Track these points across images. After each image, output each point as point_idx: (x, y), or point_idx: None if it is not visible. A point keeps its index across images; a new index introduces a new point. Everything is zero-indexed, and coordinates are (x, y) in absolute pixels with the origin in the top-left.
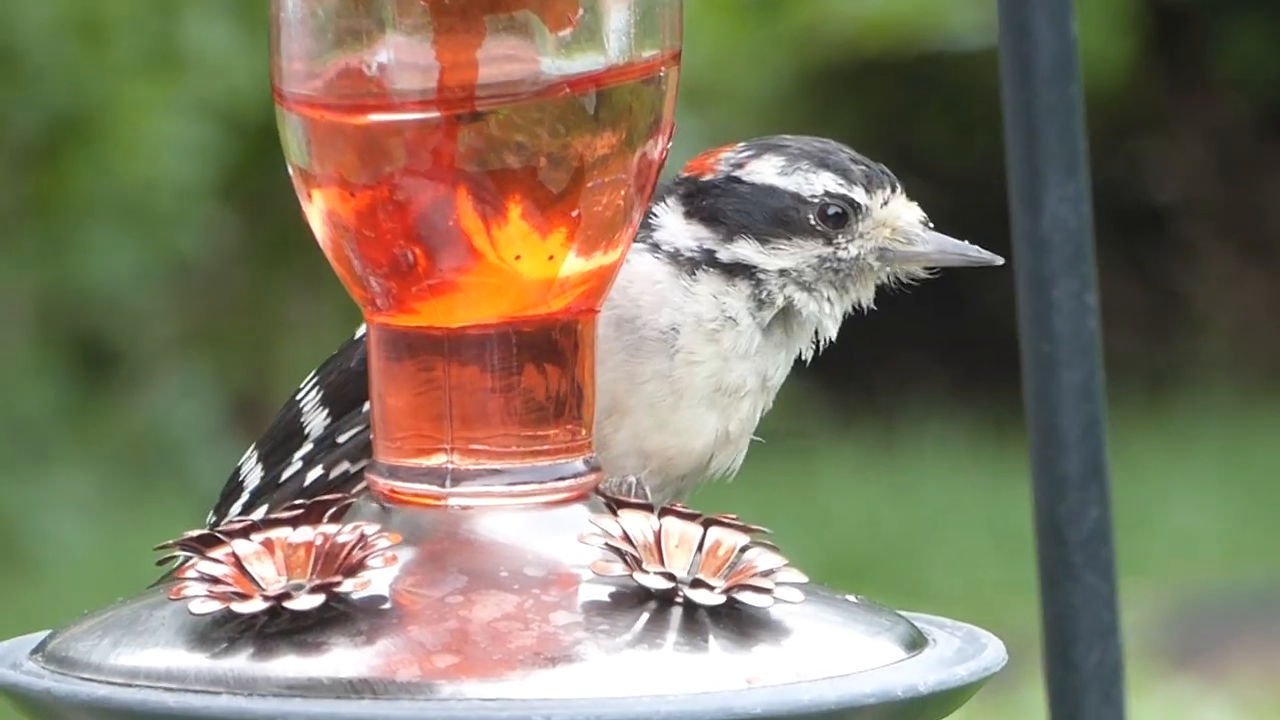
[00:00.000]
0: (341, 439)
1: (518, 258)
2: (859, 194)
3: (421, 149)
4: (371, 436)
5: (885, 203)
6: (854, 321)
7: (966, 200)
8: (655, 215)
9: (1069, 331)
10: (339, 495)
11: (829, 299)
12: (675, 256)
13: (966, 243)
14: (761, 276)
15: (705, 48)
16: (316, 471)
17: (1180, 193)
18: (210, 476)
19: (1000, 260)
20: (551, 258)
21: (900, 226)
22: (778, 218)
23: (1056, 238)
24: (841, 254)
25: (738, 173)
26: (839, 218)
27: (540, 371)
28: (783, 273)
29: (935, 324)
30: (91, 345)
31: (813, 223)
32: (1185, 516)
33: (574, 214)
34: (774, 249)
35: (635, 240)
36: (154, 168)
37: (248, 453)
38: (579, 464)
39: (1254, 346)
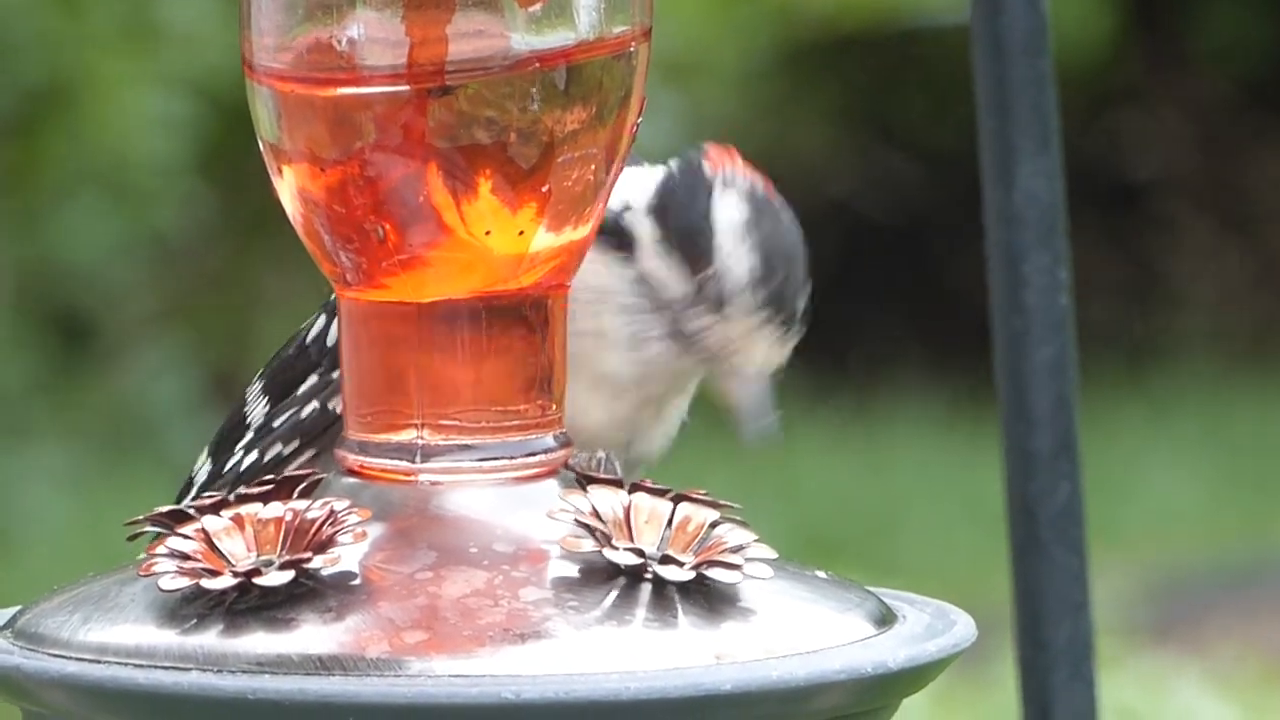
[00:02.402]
0: (276, 424)
1: (488, 233)
2: (737, 299)
3: (391, 124)
4: (341, 411)
5: (755, 326)
6: (828, 295)
7: (943, 175)
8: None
9: (1041, 307)
10: (309, 471)
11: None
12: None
13: (767, 413)
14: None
15: (684, 24)
16: (252, 456)
17: (1160, 168)
18: (186, 452)
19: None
20: (522, 233)
21: (746, 352)
22: (692, 239)
23: (1029, 213)
24: (688, 322)
25: (715, 191)
26: (718, 298)
27: (511, 347)
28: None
29: (909, 299)
30: (68, 320)
31: (703, 277)
32: (1164, 490)
33: (544, 189)
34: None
35: None
36: (130, 142)
37: (202, 453)
38: (549, 439)
39: (1233, 320)
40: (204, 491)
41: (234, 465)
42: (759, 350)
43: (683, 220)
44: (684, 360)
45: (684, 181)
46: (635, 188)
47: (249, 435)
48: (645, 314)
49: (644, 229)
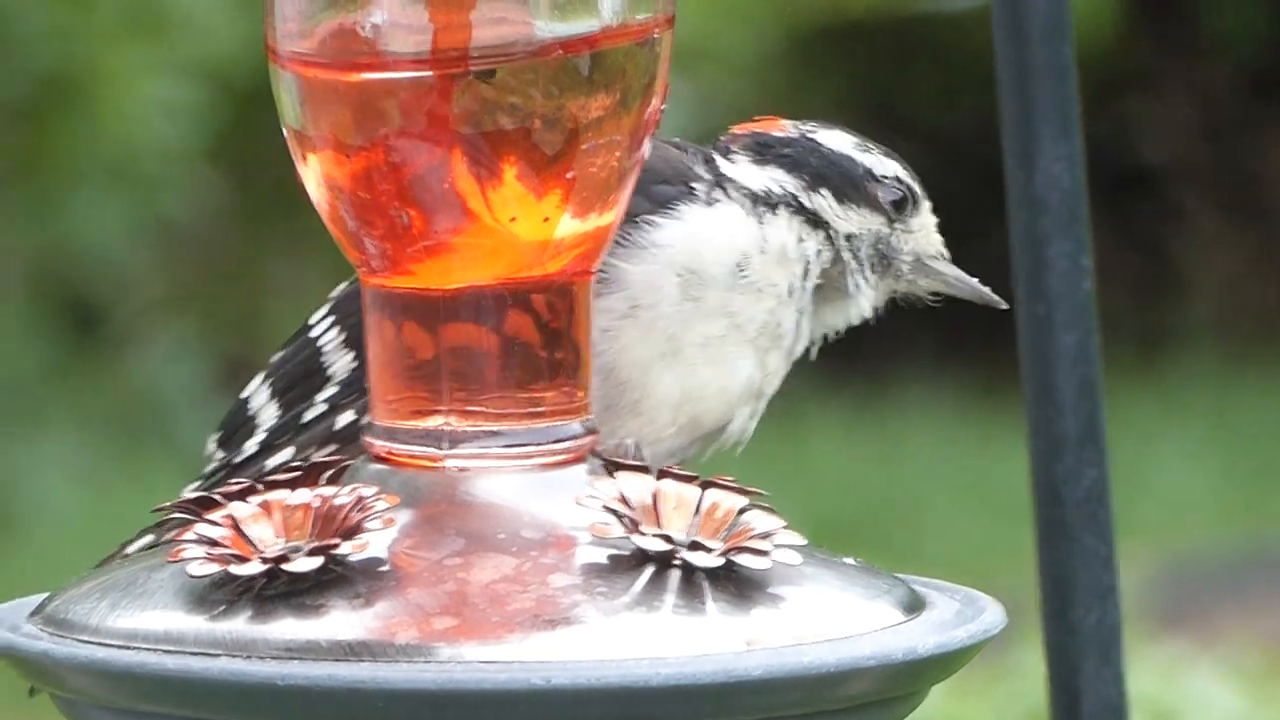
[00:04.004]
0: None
1: (513, 219)
2: (918, 189)
3: (416, 110)
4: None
5: (926, 213)
6: None
7: (953, 161)
8: (720, 165)
9: (1064, 293)
10: (337, 458)
11: (869, 283)
12: (753, 197)
13: (977, 281)
14: (831, 234)
15: (693, 10)
16: (348, 416)
17: (1168, 154)
18: (199, 438)
19: (1005, 305)
20: (547, 219)
21: (933, 242)
22: (853, 184)
23: (1051, 198)
24: (894, 240)
25: (813, 136)
26: (900, 204)
27: (536, 333)
28: (849, 238)
29: None
30: (79, 307)
31: (881, 200)
32: (1174, 478)
33: (569, 176)
34: (846, 212)
35: (696, 193)
36: (140, 129)
37: (255, 386)
38: (576, 426)
39: (1242, 308)
40: (279, 437)
41: (319, 418)
42: (934, 233)
43: (821, 167)
44: (883, 290)
45: (782, 142)
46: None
47: (333, 389)
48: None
49: (815, 199)
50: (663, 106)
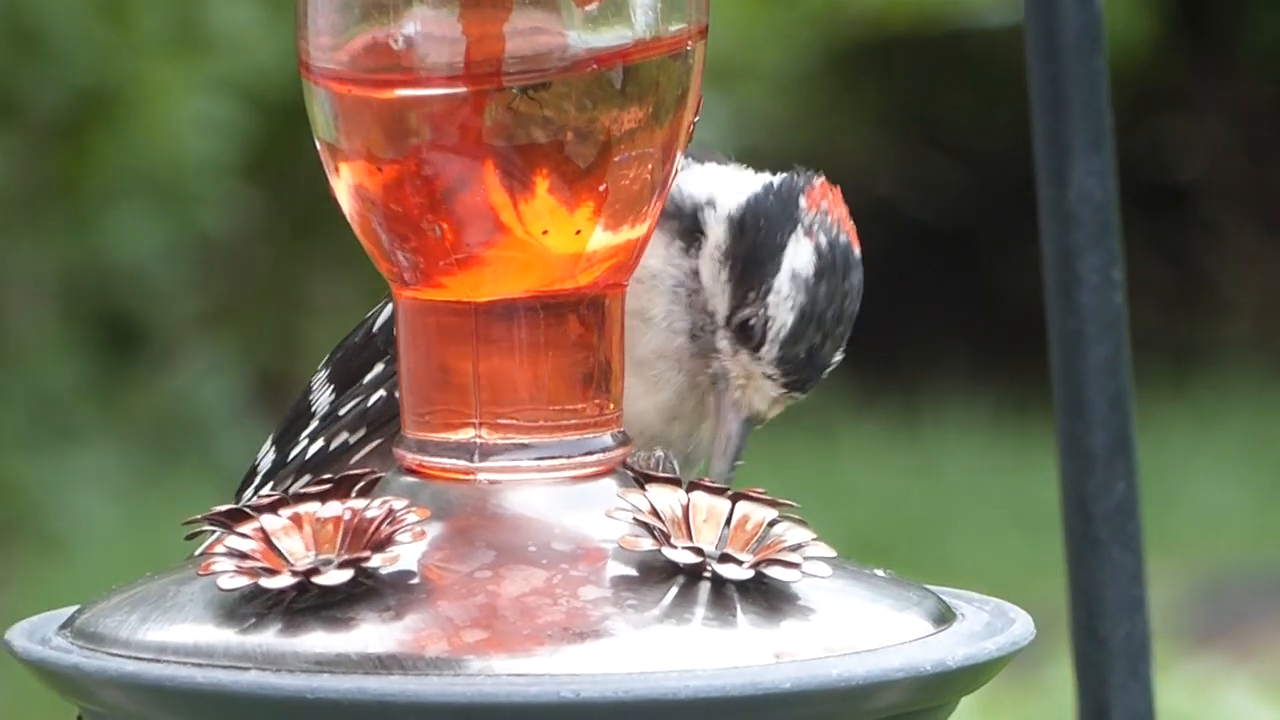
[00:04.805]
0: (342, 411)
1: (545, 232)
2: (763, 347)
3: (448, 124)
4: (372, 422)
5: (766, 377)
6: (875, 299)
7: (989, 177)
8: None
9: (1095, 307)
10: (368, 470)
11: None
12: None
13: (732, 459)
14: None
15: (730, 26)
16: (318, 444)
17: (1204, 171)
18: (235, 454)
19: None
20: (579, 232)
21: (747, 393)
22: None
23: (1083, 212)
24: (712, 338)
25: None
26: (745, 333)
27: (568, 346)
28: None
29: (955, 302)
30: (116, 323)
31: (737, 310)
32: (1210, 494)
33: (601, 188)
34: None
35: None
36: (178, 146)
37: (266, 441)
38: (607, 438)
39: (1278, 325)
40: (269, 480)
41: (299, 453)
42: (758, 398)
43: (754, 247)
44: (695, 365)
45: (775, 207)
46: (728, 188)
47: (314, 423)
48: (683, 307)
49: (717, 233)
50: (695, 119)
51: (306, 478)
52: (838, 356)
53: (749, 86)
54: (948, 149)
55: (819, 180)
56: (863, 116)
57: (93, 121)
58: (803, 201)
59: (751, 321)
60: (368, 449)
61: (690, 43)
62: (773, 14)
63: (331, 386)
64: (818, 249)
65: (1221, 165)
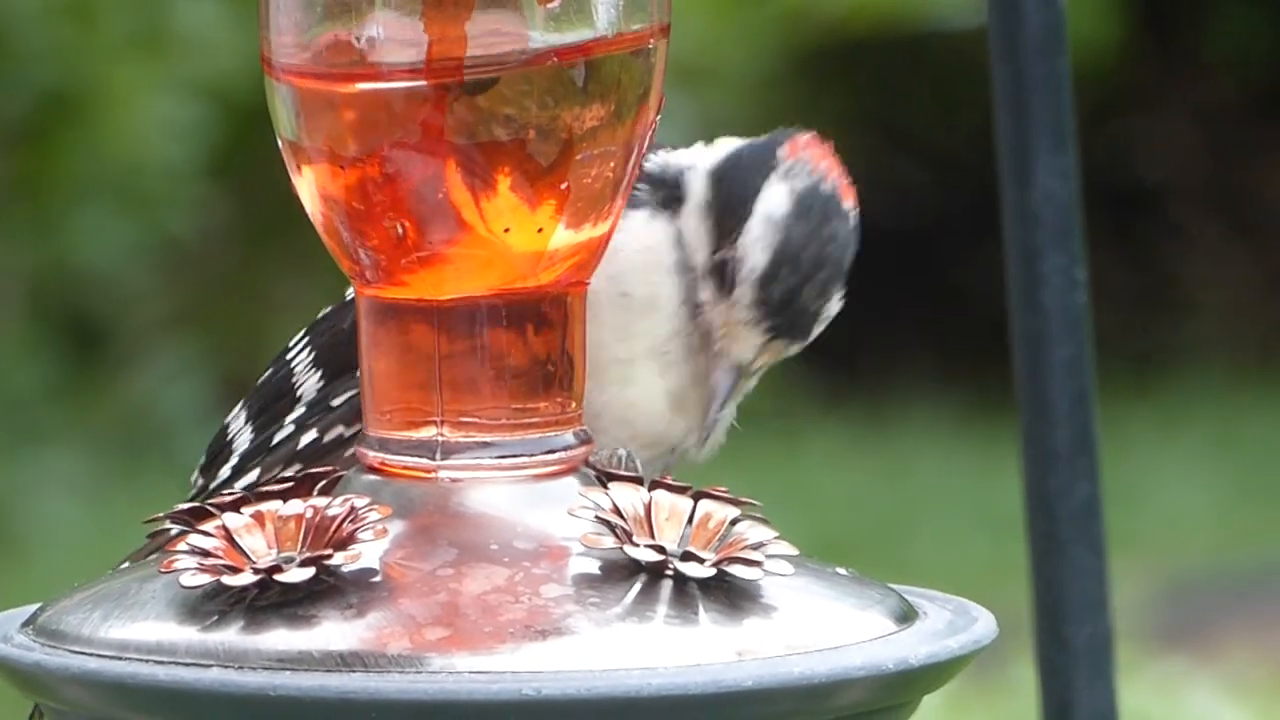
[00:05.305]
0: (335, 402)
1: (507, 230)
2: (740, 288)
3: (410, 121)
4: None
5: (748, 320)
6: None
7: (953, 179)
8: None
9: (1058, 307)
10: (329, 468)
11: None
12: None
13: (721, 406)
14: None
15: (695, 28)
16: (310, 435)
17: (1170, 173)
18: (199, 457)
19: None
20: (541, 230)
21: (733, 340)
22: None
23: (1046, 211)
24: (698, 291)
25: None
26: (724, 276)
27: (530, 344)
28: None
29: (922, 303)
30: (82, 325)
31: (716, 254)
32: (1175, 496)
33: (563, 186)
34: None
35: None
36: (143, 148)
37: (235, 411)
38: (569, 437)
39: (1243, 327)
40: (250, 461)
41: (286, 439)
42: (745, 344)
43: (730, 191)
44: (692, 329)
45: (752, 157)
46: (711, 152)
47: (300, 409)
48: (684, 279)
49: (697, 188)
50: (657, 117)
51: (296, 466)
52: (829, 306)
53: (713, 88)
54: (912, 151)
55: (806, 135)
56: (827, 119)
57: (58, 124)
58: (782, 151)
59: (726, 263)
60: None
61: (652, 40)
62: (737, 16)
63: (319, 372)
64: (793, 192)
65: (1187, 167)
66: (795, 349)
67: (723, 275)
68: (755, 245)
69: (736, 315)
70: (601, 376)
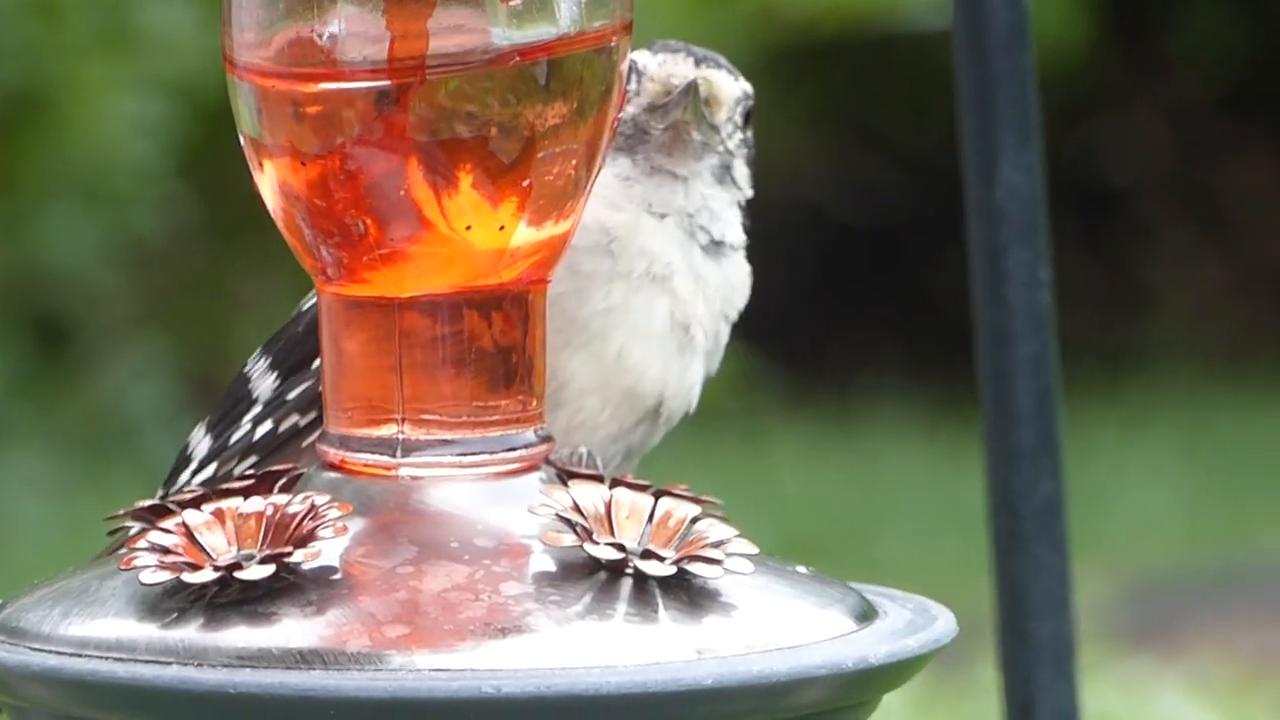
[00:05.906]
0: (291, 395)
1: (468, 228)
2: (643, 56)
3: (372, 118)
4: (323, 407)
5: (662, 63)
6: (808, 299)
7: (921, 179)
8: None
9: (1023, 303)
10: (290, 465)
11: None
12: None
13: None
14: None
15: (663, 28)
16: (265, 427)
17: (1137, 173)
18: (166, 455)
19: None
20: (502, 228)
21: (670, 82)
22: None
23: (1010, 207)
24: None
25: None
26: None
27: (491, 342)
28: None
29: (887, 303)
30: (47, 324)
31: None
32: (1142, 496)
33: (525, 184)
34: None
35: None
36: (109, 146)
37: (195, 429)
38: (530, 435)
39: (1211, 328)
40: (208, 463)
41: (243, 437)
42: (679, 69)
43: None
44: (657, 180)
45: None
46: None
47: (257, 408)
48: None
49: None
50: (619, 116)
51: (253, 459)
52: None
53: None
54: (882, 152)
55: None
56: (795, 119)
57: (25, 122)
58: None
59: (635, 76)
60: (318, 433)
61: (614, 38)
62: (705, 17)
63: (275, 374)
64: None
65: (1155, 167)
66: (711, 71)
67: (638, 89)
68: (642, 57)
69: (654, 77)
70: (584, 333)
